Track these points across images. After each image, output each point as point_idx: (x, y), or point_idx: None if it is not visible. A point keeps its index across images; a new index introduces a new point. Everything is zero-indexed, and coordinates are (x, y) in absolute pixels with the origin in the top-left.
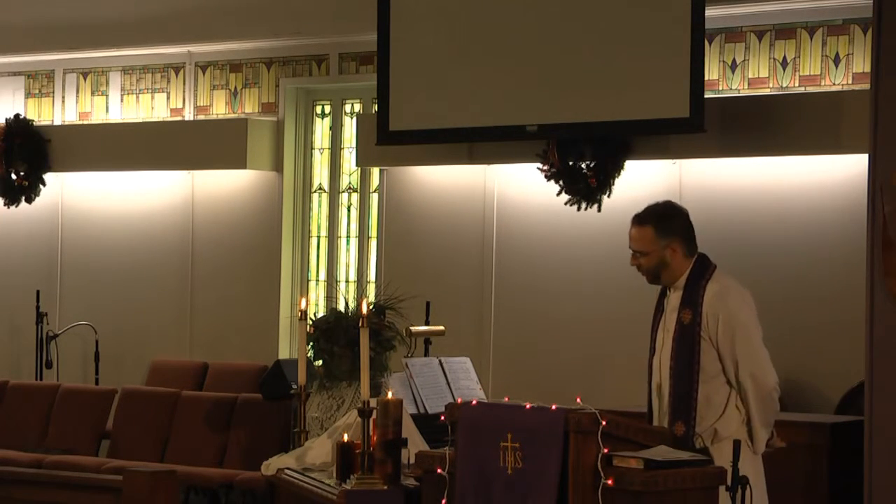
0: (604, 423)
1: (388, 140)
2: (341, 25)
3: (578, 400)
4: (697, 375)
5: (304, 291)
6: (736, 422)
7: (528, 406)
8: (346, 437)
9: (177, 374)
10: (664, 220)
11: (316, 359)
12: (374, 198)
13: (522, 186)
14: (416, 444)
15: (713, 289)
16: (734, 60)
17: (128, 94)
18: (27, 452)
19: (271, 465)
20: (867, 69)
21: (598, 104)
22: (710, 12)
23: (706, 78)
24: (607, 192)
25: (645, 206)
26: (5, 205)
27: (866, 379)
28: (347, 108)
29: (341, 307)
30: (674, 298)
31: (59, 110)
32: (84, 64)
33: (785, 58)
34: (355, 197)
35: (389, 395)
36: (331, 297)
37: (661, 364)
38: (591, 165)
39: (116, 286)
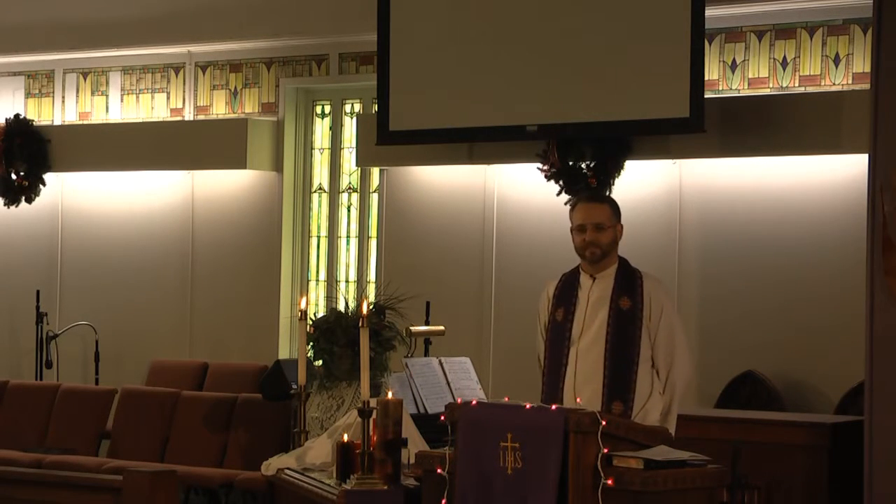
0: (604, 423)
1: (388, 140)
2: (341, 25)
3: (578, 400)
4: (638, 357)
5: (304, 291)
6: (657, 409)
7: (528, 406)
8: (346, 437)
9: (177, 374)
10: (615, 204)
11: (316, 359)
12: (374, 198)
13: (522, 186)
14: (416, 444)
15: (652, 279)
16: (734, 60)
17: (128, 94)
18: (27, 452)
19: (271, 465)
20: (867, 69)
21: (598, 104)
22: (710, 12)
23: (706, 78)
24: (607, 192)
25: (645, 206)
26: (5, 205)
27: (866, 379)
28: (347, 108)
29: (341, 307)
30: (599, 287)
31: (59, 110)
32: (84, 64)
33: (785, 58)
34: (355, 197)
35: (389, 395)
36: (331, 297)
37: (578, 353)
38: (591, 165)
39: (116, 286)
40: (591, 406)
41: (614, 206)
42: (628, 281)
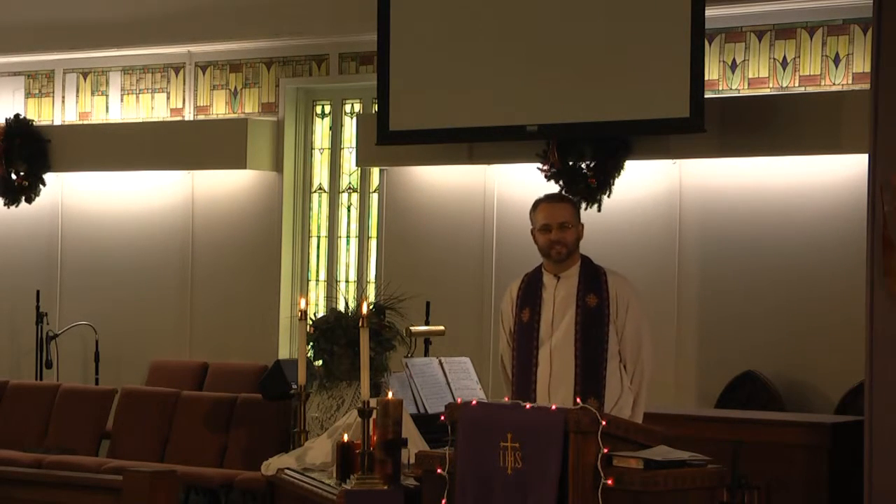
0: (604, 423)
1: (388, 140)
2: (341, 25)
3: (578, 400)
4: (607, 354)
5: (304, 291)
6: (629, 405)
7: (528, 406)
8: (346, 437)
9: (177, 374)
10: (576, 204)
11: (316, 359)
12: (374, 198)
13: (522, 186)
14: (416, 444)
15: (616, 276)
16: (734, 60)
17: (128, 94)
18: (27, 452)
19: (271, 465)
20: (867, 69)
21: (598, 104)
22: (710, 12)
23: (706, 78)
24: (607, 192)
25: (645, 206)
26: (5, 205)
27: (866, 379)
28: (347, 108)
29: (341, 307)
30: (564, 286)
31: (59, 110)
32: (84, 64)
33: (785, 58)
34: (355, 197)
35: (389, 395)
36: (331, 297)
37: (549, 353)
38: (591, 165)
39: (116, 286)
40: (566, 405)
41: (576, 206)
42: (593, 278)
